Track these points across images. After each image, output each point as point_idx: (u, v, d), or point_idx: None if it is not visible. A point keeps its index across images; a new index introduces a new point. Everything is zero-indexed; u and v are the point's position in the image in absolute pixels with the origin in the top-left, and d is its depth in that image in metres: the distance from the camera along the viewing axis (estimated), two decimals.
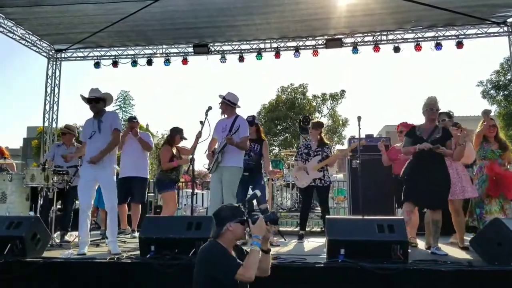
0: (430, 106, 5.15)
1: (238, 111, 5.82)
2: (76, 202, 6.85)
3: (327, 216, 5.11)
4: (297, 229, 7.46)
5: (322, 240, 6.52)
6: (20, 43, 10.70)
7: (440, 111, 5.46)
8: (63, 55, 11.89)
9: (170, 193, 6.77)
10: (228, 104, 5.70)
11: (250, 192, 6.15)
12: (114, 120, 5.45)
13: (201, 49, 11.12)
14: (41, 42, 11.22)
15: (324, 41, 10.70)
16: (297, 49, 10.86)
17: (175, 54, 11.50)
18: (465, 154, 5.38)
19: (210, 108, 5.64)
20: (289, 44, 10.94)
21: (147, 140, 7.03)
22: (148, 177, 7.40)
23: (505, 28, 9.97)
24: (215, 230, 3.20)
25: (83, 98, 5.39)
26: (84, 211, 5.17)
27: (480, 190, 5.61)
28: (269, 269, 3.30)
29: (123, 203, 6.85)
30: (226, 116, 5.82)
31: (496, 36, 10.21)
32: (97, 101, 5.34)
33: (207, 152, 5.76)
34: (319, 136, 6.85)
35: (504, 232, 4.22)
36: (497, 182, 5.53)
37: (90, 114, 5.46)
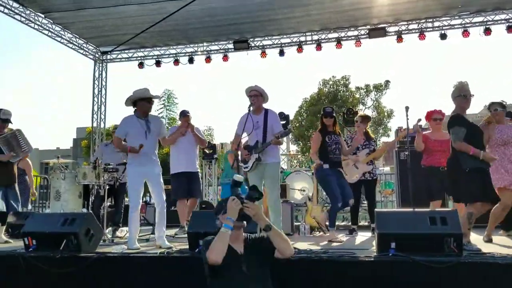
0: (465, 93, 4.75)
1: (267, 105, 5.77)
2: (126, 198, 7.05)
3: (376, 210, 5.00)
4: (344, 223, 7.39)
5: (369, 234, 6.43)
6: (68, 46, 11.10)
7: (493, 101, 5.22)
8: (108, 56, 12.24)
9: None
10: (262, 97, 5.67)
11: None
12: (163, 127, 5.72)
13: (241, 45, 11.15)
14: (87, 45, 11.60)
15: (367, 31, 10.48)
16: (339, 41, 10.69)
17: (215, 51, 11.61)
18: None
19: (252, 104, 5.62)
20: (330, 35, 10.78)
21: (202, 135, 6.94)
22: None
23: None
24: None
25: (146, 97, 5.39)
26: (135, 210, 5.29)
27: None
28: (287, 248, 3.30)
29: (185, 198, 6.80)
30: (252, 110, 5.64)
31: None
32: (153, 100, 5.52)
33: (236, 151, 5.67)
34: (365, 130, 6.75)
35: None
36: None
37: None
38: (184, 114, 6.78)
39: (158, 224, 5.37)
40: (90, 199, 6.32)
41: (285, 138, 6.40)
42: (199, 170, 7.04)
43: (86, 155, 27.77)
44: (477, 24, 9.96)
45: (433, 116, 6.08)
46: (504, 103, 5.67)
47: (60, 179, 6.37)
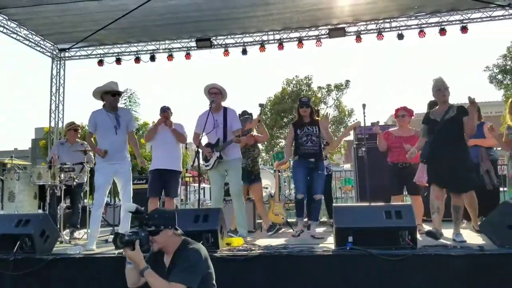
0: (438, 87, 5.05)
1: (239, 103, 5.85)
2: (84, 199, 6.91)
3: (334, 204, 5.12)
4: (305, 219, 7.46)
5: (327, 229, 6.55)
6: (24, 43, 10.72)
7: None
8: (66, 54, 11.91)
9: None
10: (222, 95, 5.73)
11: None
12: (132, 120, 5.69)
13: (204, 43, 11.07)
14: (45, 42, 11.23)
15: (327, 31, 10.62)
16: (300, 40, 10.78)
17: (178, 49, 11.46)
18: (487, 137, 5.68)
19: (213, 101, 5.65)
20: (292, 35, 10.85)
21: (181, 131, 6.55)
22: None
23: (511, 11, 9.83)
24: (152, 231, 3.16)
25: (110, 90, 5.36)
26: (99, 207, 5.18)
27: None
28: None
29: (156, 196, 6.43)
30: (212, 108, 5.70)
31: (501, 19, 10.04)
32: (120, 94, 5.48)
33: (198, 148, 5.65)
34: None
35: None
36: None
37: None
38: (163, 110, 6.44)
39: (123, 224, 5.28)
40: (46, 200, 6.14)
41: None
42: (180, 169, 6.60)
43: (44, 156, 26.98)
44: (432, 24, 10.25)
45: (398, 113, 6.28)
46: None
47: (14, 179, 6.16)
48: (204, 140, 5.83)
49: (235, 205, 5.73)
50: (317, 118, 6.11)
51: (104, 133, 5.26)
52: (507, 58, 25.15)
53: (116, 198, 10.75)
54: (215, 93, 5.64)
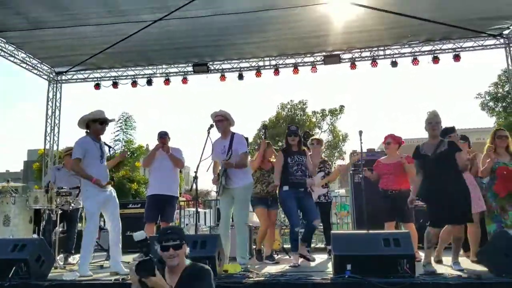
0: (429, 121, 5.06)
1: (234, 129, 5.85)
2: (79, 224, 6.84)
3: (332, 231, 5.10)
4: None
5: (326, 256, 6.53)
6: (21, 66, 10.78)
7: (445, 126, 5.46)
8: (63, 77, 11.97)
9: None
10: (228, 121, 5.74)
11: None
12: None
13: (201, 68, 11.20)
14: (42, 65, 11.31)
15: (322, 58, 10.80)
16: (295, 66, 10.94)
17: (174, 74, 11.57)
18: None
19: (212, 126, 5.68)
20: (287, 61, 11.03)
21: (179, 157, 6.56)
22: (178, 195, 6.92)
23: (502, 40, 10.08)
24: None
25: (99, 118, 5.35)
26: (95, 233, 5.19)
27: (495, 203, 5.38)
28: None
29: (153, 221, 6.45)
30: (221, 136, 5.78)
31: (492, 48, 10.30)
32: (108, 123, 5.43)
33: (213, 177, 5.79)
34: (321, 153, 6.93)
35: (511, 244, 4.20)
36: (506, 179, 5.32)
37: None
38: (161, 136, 6.50)
39: (114, 249, 5.24)
40: (41, 224, 6.08)
41: None
42: (176, 194, 6.60)
43: (37, 178, 26.77)
44: (426, 52, 10.47)
45: (385, 141, 6.35)
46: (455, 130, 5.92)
47: (10, 203, 6.12)
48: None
49: (237, 234, 5.59)
50: (304, 148, 6.09)
51: (91, 162, 5.21)
52: (498, 86, 25.53)
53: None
54: (220, 120, 5.69)
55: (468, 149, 6.06)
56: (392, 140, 6.26)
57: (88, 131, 5.34)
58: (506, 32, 9.86)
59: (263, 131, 6.87)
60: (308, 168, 5.90)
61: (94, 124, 5.32)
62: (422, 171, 5.03)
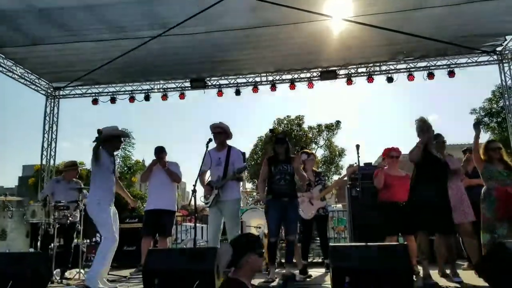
0: (421, 128, 5.12)
1: (230, 142, 5.90)
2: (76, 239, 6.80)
3: (331, 244, 5.12)
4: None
5: (323, 270, 6.52)
6: (19, 81, 10.83)
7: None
8: (61, 92, 12.04)
9: None
10: (226, 134, 5.79)
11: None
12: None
13: (198, 83, 11.30)
14: (40, 80, 11.38)
15: (319, 73, 10.91)
16: (292, 82, 11.04)
17: (172, 89, 11.65)
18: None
19: (210, 140, 5.72)
20: (284, 76, 11.13)
21: (176, 171, 6.69)
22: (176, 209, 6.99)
23: (495, 57, 10.23)
24: (232, 260, 3.00)
25: (123, 135, 5.62)
26: (115, 239, 5.19)
27: (489, 213, 5.38)
28: None
29: (150, 235, 6.57)
30: (217, 148, 5.82)
31: (486, 64, 10.45)
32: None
33: (201, 186, 5.79)
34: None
35: (509, 256, 4.22)
36: (507, 203, 5.29)
37: (86, 150, 5.55)
38: (158, 151, 6.64)
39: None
40: (39, 238, 6.06)
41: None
42: (174, 209, 6.71)
43: (32, 194, 26.58)
44: (421, 68, 10.62)
45: (390, 153, 6.26)
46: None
47: (7, 217, 6.10)
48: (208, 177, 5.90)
49: None
50: (292, 155, 5.97)
51: (107, 175, 5.31)
52: (493, 102, 25.76)
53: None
54: (218, 132, 5.76)
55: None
56: (398, 154, 6.25)
57: (103, 144, 5.33)
58: (499, 48, 10.03)
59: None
60: (297, 174, 5.74)
61: (114, 139, 5.45)
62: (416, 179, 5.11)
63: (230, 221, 5.65)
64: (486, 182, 5.55)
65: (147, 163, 7.15)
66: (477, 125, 5.63)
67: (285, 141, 5.91)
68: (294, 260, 6.15)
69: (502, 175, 5.45)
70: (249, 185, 31.72)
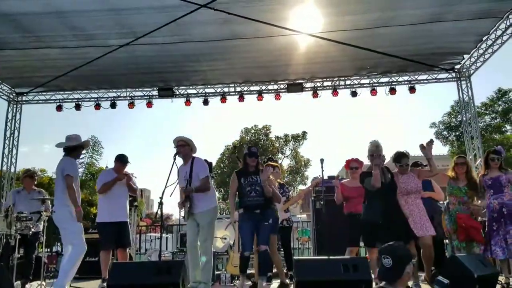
0: (371, 153, 5.35)
1: (198, 153, 5.93)
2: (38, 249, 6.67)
3: (294, 257, 5.22)
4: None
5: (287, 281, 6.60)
6: None
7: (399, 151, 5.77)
8: (24, 98, 11.75)
9: None
10: (189, 147, 5.83)
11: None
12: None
13: (166, 92, 11.28)
14: (2, 85, 11.08)
15: (286, 86, 11.11)
16: (260, 93, 11.17)
17: (139, 97, 11.56)
18: (436, 191, 6.17)
19: (176, 154, 5.75)
20: (252, 88, 11.26)
21: (134, 183, 6.65)
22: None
23: (453, 74, 10.69)
24: (393, 273, 2.95)
25: (86, 143, 5.83)
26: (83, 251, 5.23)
27: (449, 225, 5.78)
28: None
29: (111, 249, 6.42)
30: (183, 161, 5.85)
31: (445, 81, 10.90)
32: None
33: (178, 201, 5.80)
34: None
35: (461, 269, 4.45)
36: (467, 231, 5.67)
37: (53, 158, 5.58)
38: (123, 161, 6.53)
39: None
40: None
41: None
42: (128, 220, 6.64)
43: None
44: (383, 84, 10.97)
45: (350, 165, 6.49)
46: (407, 152, 6.16)
47: None
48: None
49: (201, 260, 5.57)
50: (261, 168, 5.96)
51: (76, 183, 5.44)
52: (452, 116, 26.73)
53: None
54: (182, 145, 5.76)
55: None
56: (358, 164, 6.45)
57: (69, 153, 5.56)
58: (457, 66, 10.49)
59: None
60: (264, 187, 5.66)
61: (80, 149, 5.67)
62: (369, 197, 5.34)
63: (201, 233, 5.63)
64: (448, 197, 5.94)
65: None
66: (428, 147, 5.61)
67: (257, 154, 5.95)
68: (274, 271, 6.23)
69: (461, 192, 5.82)
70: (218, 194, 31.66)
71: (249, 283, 6.20)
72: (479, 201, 5.90)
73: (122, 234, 6.35)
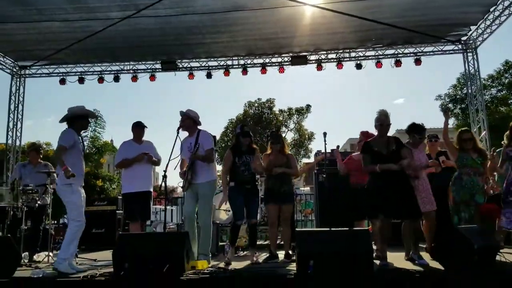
0: (380, 122, 5.22)
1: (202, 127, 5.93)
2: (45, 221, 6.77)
3: (296, 229, 5.27)
4: (266, 242, 7.60)
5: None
6: None
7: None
8: (27, 71, 11.75)
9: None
10: (192, 119, 5.84)
11: None
12: None
13: (169, 65, 11.25)
14: (5, 59, 11.06)
15: (290, 58, 11.02)
16: (263, 66, 11.11)
17: (142, 71, 11.56)
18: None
19: (179, 127, 5.77)
20: (255, 61, 11.20)
21: (158, 157, 6.41)
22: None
23: (460, 46, 10.56)
24: None
25: (90, 114, 5.54)
26: (83, 226, 5.16)
27: (458, 197, 5.68)
28: None
29: (138, 220, 6.17)
30: (188, 133, 5.88)
31: (451, 53, 10.77)
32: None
33: (179, 171, 5.84)
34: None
35: (461, 240, 4.49)
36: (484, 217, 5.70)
37: (57, 131, 5.45)
38: (141, 126, 6.35)
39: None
40: (6, 221, 6.01)
41: None
42: (151, 190, 6.44)
43: None
44: (388, 56, 10.87)
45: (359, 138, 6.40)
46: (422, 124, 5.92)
47: None
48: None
49: (201, 230, 5.66)
50: (255, 147, 6.09)
51: (77, 155, 5.24)
52: (457, 88, 26.45)
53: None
54: (183, 119, 5.80)
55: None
56: (364, 137, 6.38)
57: (70, 125, 5.30)
58: (464, 38, 10.35)
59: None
60: (254, 164, 5.79)
61: (82, 119, 5.38)
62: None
63: (200, 203, 5.69)
64: (460, 168, 5.79)
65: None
66: (446, 112, 5.87)
67: (250, 134, 6.06)
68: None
69: (476, 163, 5.73)
70: (218, 167, 31.77)
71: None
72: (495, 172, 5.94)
73: (145, 206, 6.19)
